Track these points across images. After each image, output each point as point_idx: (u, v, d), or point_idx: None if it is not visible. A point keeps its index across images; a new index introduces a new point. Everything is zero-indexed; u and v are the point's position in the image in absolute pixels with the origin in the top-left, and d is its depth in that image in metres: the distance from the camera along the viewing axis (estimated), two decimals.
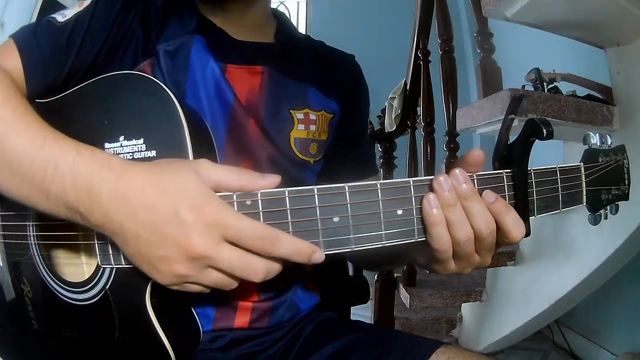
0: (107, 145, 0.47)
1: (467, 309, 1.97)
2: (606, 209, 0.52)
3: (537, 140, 0.44)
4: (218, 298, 0.61)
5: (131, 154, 0.46)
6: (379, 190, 0.41)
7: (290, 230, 0.40)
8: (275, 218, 0.40)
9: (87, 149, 0.42)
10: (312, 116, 0.67)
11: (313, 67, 0.70)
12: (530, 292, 1.61)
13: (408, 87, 2.09)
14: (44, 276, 0.53)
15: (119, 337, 0.48)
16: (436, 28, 1.82)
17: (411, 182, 0.42)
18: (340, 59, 0.76)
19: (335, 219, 0.41)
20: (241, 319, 0.64)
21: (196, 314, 0.55)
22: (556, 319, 1.84)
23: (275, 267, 0.41)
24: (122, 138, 0.47)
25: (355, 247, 0.42)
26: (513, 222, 0.43)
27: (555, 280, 1.49)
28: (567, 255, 1.45)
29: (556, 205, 0.48)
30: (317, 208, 0.41)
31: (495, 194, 0.43)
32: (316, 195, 0.41)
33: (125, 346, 0.49)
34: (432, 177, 0.42)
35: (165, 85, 0.48)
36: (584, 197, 0.50)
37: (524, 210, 0.45)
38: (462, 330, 1.99)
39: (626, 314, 1.73)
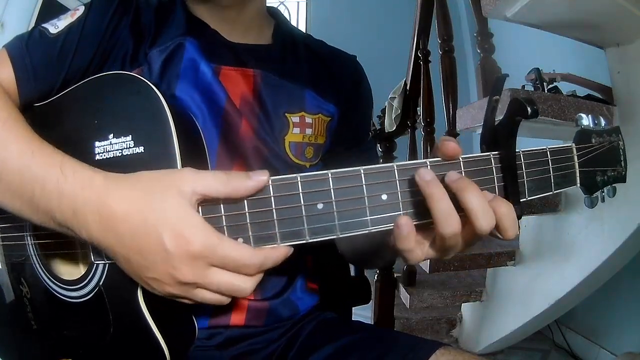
0: (97, 143, 0.48)
1: (467, 309, 1.97)
2: (603, 192, 0.50)
3: (522, 119, 0.42)
4: None
5: (120, 150, 0.47)
6: (362, 175, 0.41)
7: (275, 218, 0.41)
8: (259, 206, 0.41)
9: (70, 166, 0.42)
10: (308, 119, 0.66)
11: (310, 69, 0.69)
12: (530, 292, 1.60)
13: (408, 87, 2.09)
14: (42, 276, 0.54)
15: (114, 334, 0.48)
16: (436, 28, 1.82)
17: (395, 167, 0.42)
18: (340, 60, 0.74)
19: (319, 206, 0.41)
20: (237, 317, 0.63)
21: (192, 310, 0.55)
22: (556, 319, 1.84)
23: (262, 274, 0.43)
24: (111, 136, 0.48)
25: (341, 234, 0.41)
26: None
27: (555, 280, 1.49)
28: (567, 255, 1.45)
29: (548, 187, 0.46)
30: (301, 195, 0.41)
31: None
32: (299, 182, 0.41)
33: (120, 342, 0.49)
34: (415, 161, 0.42)
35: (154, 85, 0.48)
36: (577, 178, 0.48)
37: (514, 192, 0.43)
38: (462, 330, 1.99)
39: (626, 314, 1.73)
